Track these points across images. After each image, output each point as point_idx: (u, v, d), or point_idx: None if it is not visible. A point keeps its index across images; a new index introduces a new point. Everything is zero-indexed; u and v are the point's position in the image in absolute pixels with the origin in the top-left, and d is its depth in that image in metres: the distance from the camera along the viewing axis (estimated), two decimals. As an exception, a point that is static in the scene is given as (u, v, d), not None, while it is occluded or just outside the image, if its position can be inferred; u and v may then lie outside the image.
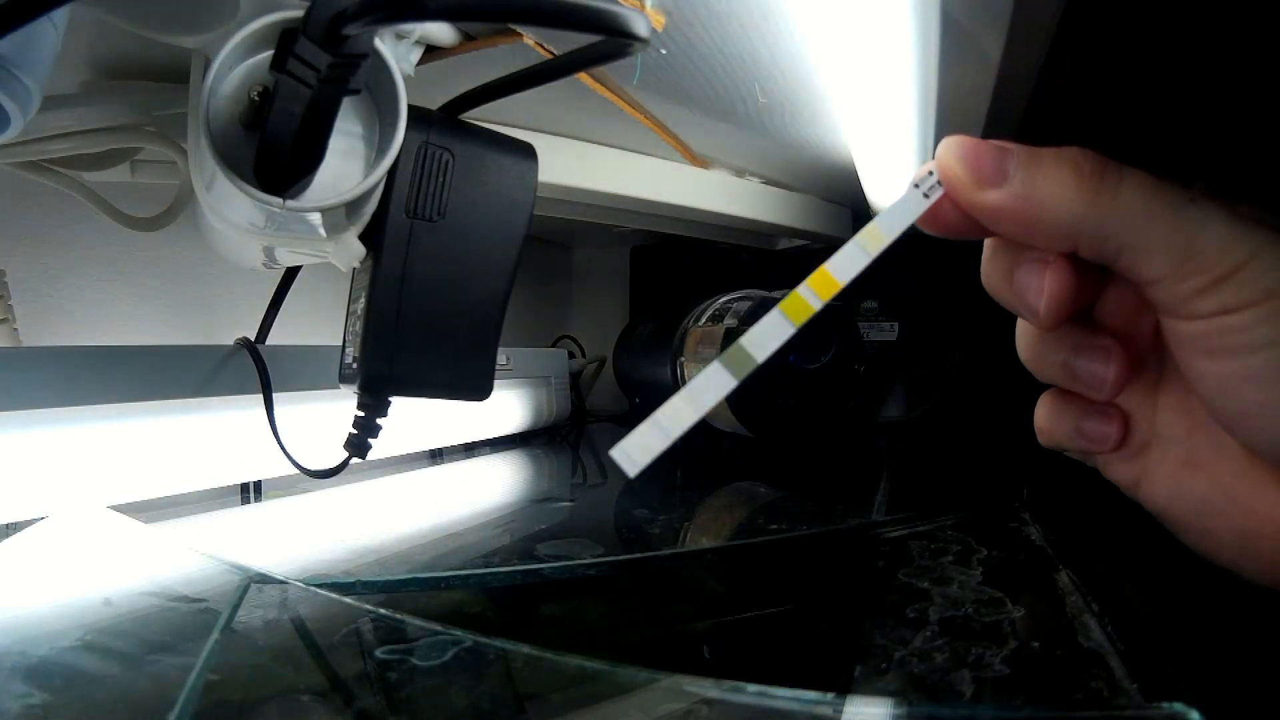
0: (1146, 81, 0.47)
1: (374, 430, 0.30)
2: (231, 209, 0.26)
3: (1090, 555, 0.31)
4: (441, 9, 0.18)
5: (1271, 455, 0.18)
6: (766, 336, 0.19)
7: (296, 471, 0.38)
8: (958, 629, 0.23)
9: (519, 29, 0.31)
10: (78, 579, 0.28)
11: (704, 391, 0.19)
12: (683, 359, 0.57)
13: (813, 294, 0.20)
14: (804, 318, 0.20)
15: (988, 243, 0.21)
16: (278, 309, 0.45)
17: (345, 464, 0.33)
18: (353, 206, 0.26)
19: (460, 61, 0.32)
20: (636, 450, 0.19)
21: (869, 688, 0.19)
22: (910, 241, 0.20)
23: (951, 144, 0.19)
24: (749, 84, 0.40)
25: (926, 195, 0.20)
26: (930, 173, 0.20)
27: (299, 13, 0.21)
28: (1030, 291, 0.20)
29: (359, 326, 0.28)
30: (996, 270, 0.20)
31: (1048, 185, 0.18)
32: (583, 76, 0.37)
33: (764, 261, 0.80)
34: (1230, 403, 0.18)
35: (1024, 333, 0.22)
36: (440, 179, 0.27)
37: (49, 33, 0.22)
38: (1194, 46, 0.44)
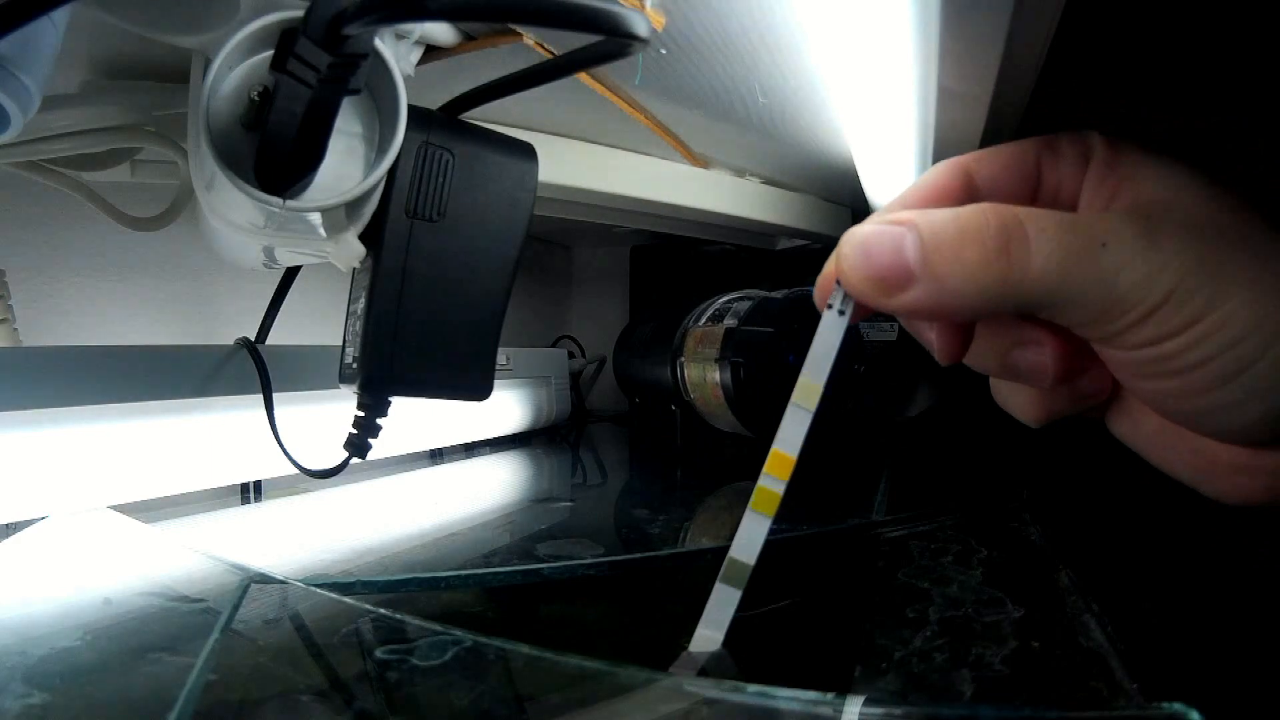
0: (1147, 81, 0.47)
1: (374, 430, 0.30)
2: (231, 209, 0.26)
3: (1090, 555, 0.31)
4: (441, 9, 0.18)
5: (1222, 440, 0.19)
6: (750, 538, 0.20)
7: (296, 471, 0.38)
8: (958, 629, 0.23)
9: (519, 29, 0.31)
10: (78, 579, 0.28)
11: (721, 606, 0.20)
12: (683, 359, 0.57)
13: (773, 479, 0.20)
14: (776, 505, 0.20)
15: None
16: (278, 309, 0.45)
17: (345, 464, 0.33)
18: (353, 206, 0.26)
19: (460, 61, 0.32)
20: (700, 642, 0.20)
21: (869, 688, 0.19)
22: None
23: (849, 253, 0.19)
24: (749, 84, 0.40)
25: (842, 313, 0.20)
26: (838, 286, 0.20)
27: (299, 13, 0.21)
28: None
29: (359, 326, 0.28)
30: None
31: (954, 275, 0.18)
32: (583, 76, 0.37)
33: (764, 261, 0.80)
34: (1172, 410, 0.19)
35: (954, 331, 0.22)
36: (440, 179, 0.27)
37: (49, 33, 0.22)
38: (1199, 41, 0.44)
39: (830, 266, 0.20)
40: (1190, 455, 0.20)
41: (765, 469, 0.20)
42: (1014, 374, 0.21)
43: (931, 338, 0.22)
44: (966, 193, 0.22)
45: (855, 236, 0.19)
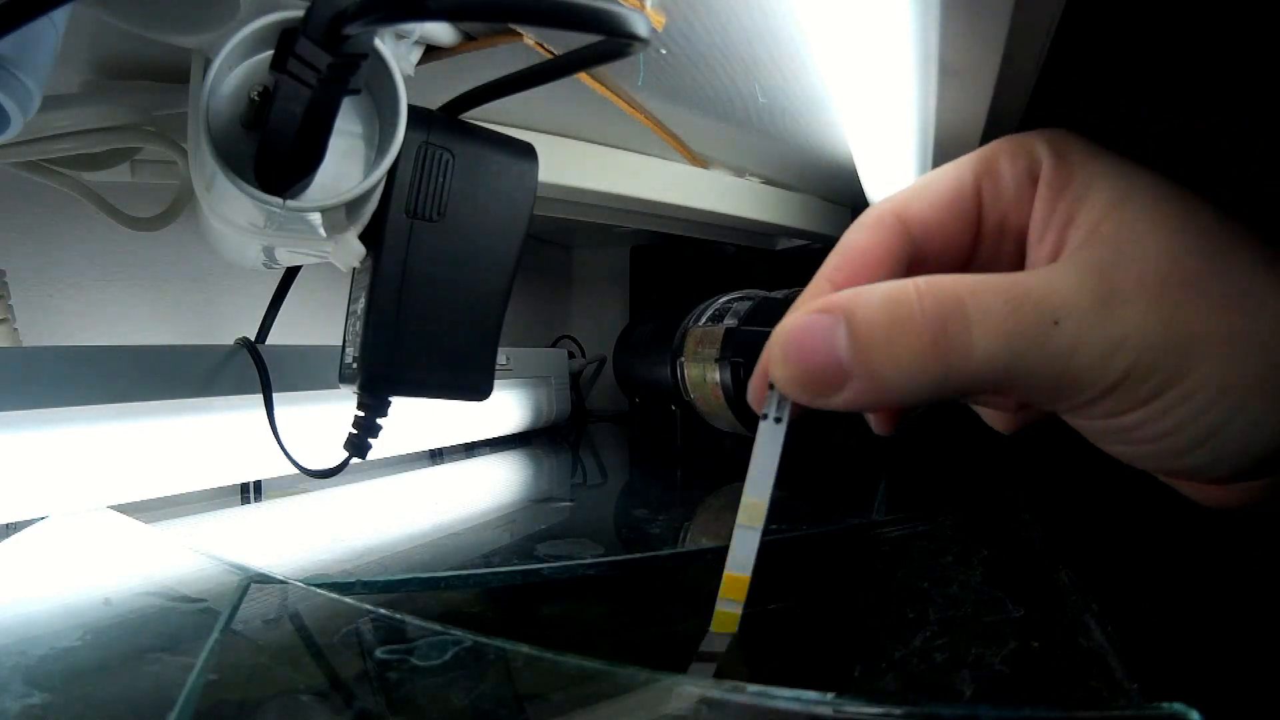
0: (1147, 81, 0.47)
1: (374, 430, 0.30)
2: (231, 209, 0.26)
3: (1090, 555, 0.31)
4: (441, 9, 0.18)
5: (1193, 481, 0.18)
6: (706, 678, 0.18)
7: (296, 471, 0.38)
8: (958, 629, 0.23)
9: (519, 29, 0.31)
10: (78, 579, 0.28)
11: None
12: (683, 359, 0.57)
13: (731, 602, 0.19)
14: (735, 625, 0.19)
15: None
16: (278, 309, 0.45)
17: (345, 464, 0.33)
18: (353, 206, 0.26)
19: (460, 61, 0.32)
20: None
21: (869, 688, 0.19)
22: None
23: (780, 353, 0.17)
24: (749, 84, 0.40)
25: (779, 420, 0.19)
26: (771, 389, 0.18)
27: (299, 13, 0.21)
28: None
29: (359, 326, 0.28)
30: None
31: (889, 369, 0.16)
32: (583, 76, 0.37)
33: (764, 261, 0.80)
34: (1140, 465, 0.18)
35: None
36: (440, 179, 0.27)
37: (49, 33, 0.22)
38: (1199, 41, 0.44)
39: (761, 367, 0.19)
40: (1157, 468, 0.19)
41: (721, 593, 0.19)
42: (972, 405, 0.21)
43: (869, 416, 0.21)
44: (904, 249, 0.19)
45: (784, 333, 0.18)
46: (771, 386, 0.19)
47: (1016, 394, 0.17)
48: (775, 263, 0.79)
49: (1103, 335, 0.15)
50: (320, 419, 0.44)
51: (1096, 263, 0.16)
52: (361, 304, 0.28)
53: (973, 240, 0.20)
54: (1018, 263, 0.20)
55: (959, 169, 0.20)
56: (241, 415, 0.41)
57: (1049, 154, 0.18)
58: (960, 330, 0.16)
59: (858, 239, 0.20)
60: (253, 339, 0.43)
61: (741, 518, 0.19)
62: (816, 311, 0.17)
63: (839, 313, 0.17)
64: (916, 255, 0.20)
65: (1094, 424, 0.17)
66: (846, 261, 0.20)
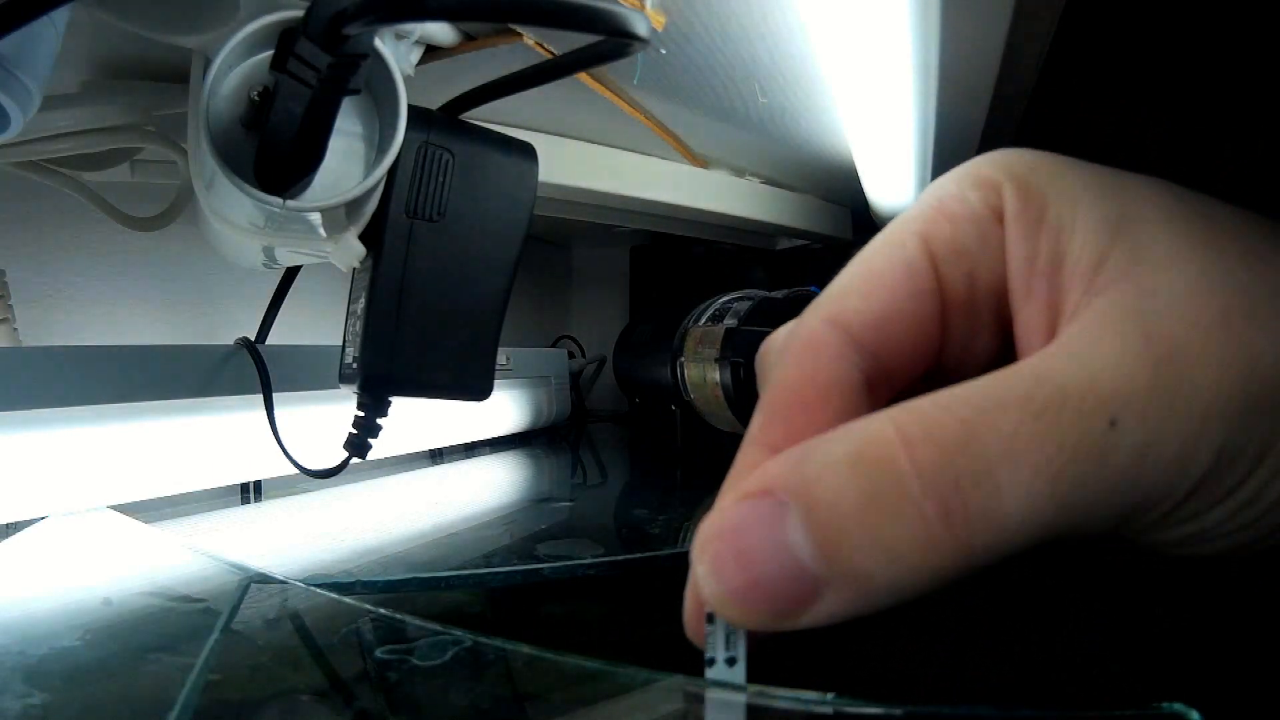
0: (1147, 81, 0.47)
1: (374, 430, 0.30)
2: (231, 209, 0.26)
3: (1090, 554, 0.31)
4: (441, 9, 0.18)
5: None
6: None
7: (296, 471, 0.38)
8: (958, 628, 0.23)
9: (519, 29, 0.31)
10: (78, 579, 0.28)
11: None
12: (683, 359, 0.57)
13: None
14: None
15: None
16: (278, 309, 0.45)
17: (345, 464, 0.33)
18: (353, 206, 0.26)
19: (460, 61, 0.32)
20: None
21: (869, 688, 0.19)
22: None
23: (707, 571, 0.12)
24: (749, 84, 0.40)
25: (733, 661, 0.13)
26: (711, 622, 0.13)
27: (299, 13, 0.21)
28: None
29: (359, 326, 0.28)
30: None
31: (882, 564, 0.11)
32: (583, 76, 0.37)
33: (764, 261, 0.80)
34: (1209, 552, 0.13)
35: None
36: (440, 179, 0.27)
37: (49, 33, 0.22)
38: (1199, 41, 0.44)
39: (691, 591, 0.13)
40: (1235, 552, 0.15)
41: None
42: None
43: None
44: (854, 366, 0.14)
45: (706, 539, 0.12)
46: (710, 617, 0.13)
47: (1069, 538, 0.12)
48: (775, 263, 0.79)
49: (1178, 419, 0.11)
50: (320, 419, 0.44)
51: (1130, 313, 0.12)
52: (361, 304, 0.28)
53: (938, 321, 0.15)
54: (1000, 330, 0.15)
55: (900, 234, 0.15)
56: (241, 415, 0.41)
57: (1007, 179, 0.14)
58: (979, 483, 0.11)
59: (791, 375, 0.14)
60: (253, 339, 0.43)
61: None
62: (747, 497, 0.12)
63: (783, 494, 0.11)
64: (873, 369, 0.14)
65: (1165, 536, 0.12)
66: (782, 408, 0.14)
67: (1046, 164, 0.14)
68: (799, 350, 0.14)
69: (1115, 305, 0.12)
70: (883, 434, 0.11)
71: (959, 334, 0.15)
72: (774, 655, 0.13)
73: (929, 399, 0.12)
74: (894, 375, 0.15)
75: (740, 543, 0.12)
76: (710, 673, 0.14)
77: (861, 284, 0.15)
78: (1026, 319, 0.14)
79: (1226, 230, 0.12)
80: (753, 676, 0.14)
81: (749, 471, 0.13)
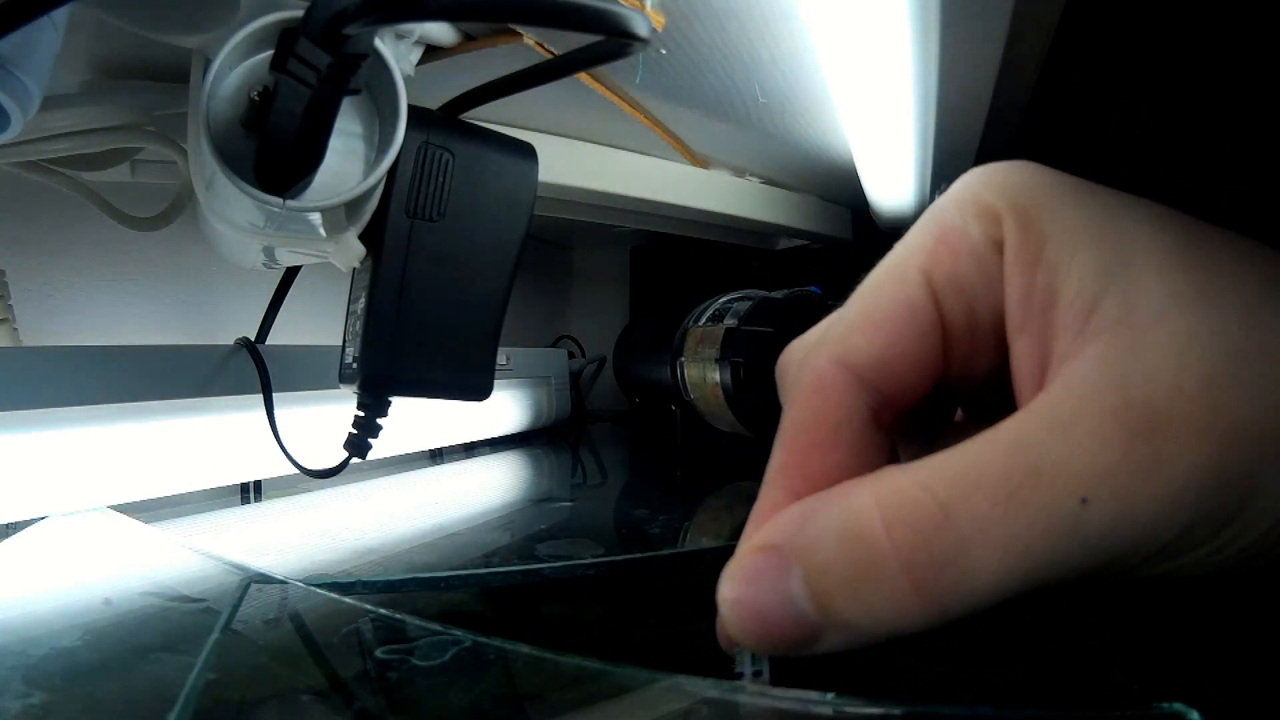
0: (1147, 81, 0.47)
1: (374, 430, 0.30)
2: (231, 209, 0.26)
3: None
4: (441, 9, 0.18)
5: None
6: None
7: (296, 471, 0.38)
8: (958, 629, 0.23)
9: (519, 29, 0.31)
10: (78, 579, 0.28)
11: None
12: (683, 359, 0.57)
13: None
14: None
15: None
16: (278, 309, 0.45)
17: (345, 464, 0.33)
18: (353, 206, 0.26)
19: (460, 61, 0.32)
20: None
21: (869, 688, 0.19)
22: None
23: (730, 613, 0.14)
24: (749, 84, 0.40)
25: (758, 674, 0.16)
26: (738, 649, 0.15)
27: (299, 13, 0.21)
28: None
29: (359, 326, 0.28)
30: None
31: (867, 620, 0.13)
32: (583, 76, 0.37)
33: (764, 261, 0.80)
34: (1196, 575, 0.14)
35: None
36: (440, 179, 0.27)
37: (49, 33, 0.22)
38: (1199, 41, 0.44)
39: (720, 623, 0.15)
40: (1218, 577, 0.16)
41: None
42: None
43: None
44: (861, 403, 0.15)
45: (730, 582, 0.14)
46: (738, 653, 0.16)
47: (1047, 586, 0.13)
48: (775, 263, 0.79)
49: (1151, 496, 0.11)
50: (320, 419, 0.44)
51: (1115, 377, 0.12)
52: (361, 304, 0.28)
53: (940, 351, 0.15)
54: (1001, 348, 0.15)
55: (902, 269, 0.15)
56: (241, 415, 0.41)
57: (1008, 210, 0.14)
58: (953, 562, 0.12)
59: (803, 415, 0.16)
60: (253, 339, 0.43)
61: None
62: (760, 551, 0.14)
63: (788, 557, 0.13)
64: (878, 401, 0.15)
65: (1138, 575, 0.13)
66: (797, 450, 0.15)
67: (1049, 193, 0.14)
68: (809, 391, 0.16)
69: (1101, 363, 0.12)
70: (867, 513, 0.13)
71: (961, 356, 0.16)
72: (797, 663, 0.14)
73: (911, 474, 0.13)
74: (899, 402, 0.16)
75: (754, 592, 0.13)
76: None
77: (865, 323, 0.15)
78: (1020, 352, 0.14)
79: (1227, 277, 0.12)
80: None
81: (769, 513, 0.15)
